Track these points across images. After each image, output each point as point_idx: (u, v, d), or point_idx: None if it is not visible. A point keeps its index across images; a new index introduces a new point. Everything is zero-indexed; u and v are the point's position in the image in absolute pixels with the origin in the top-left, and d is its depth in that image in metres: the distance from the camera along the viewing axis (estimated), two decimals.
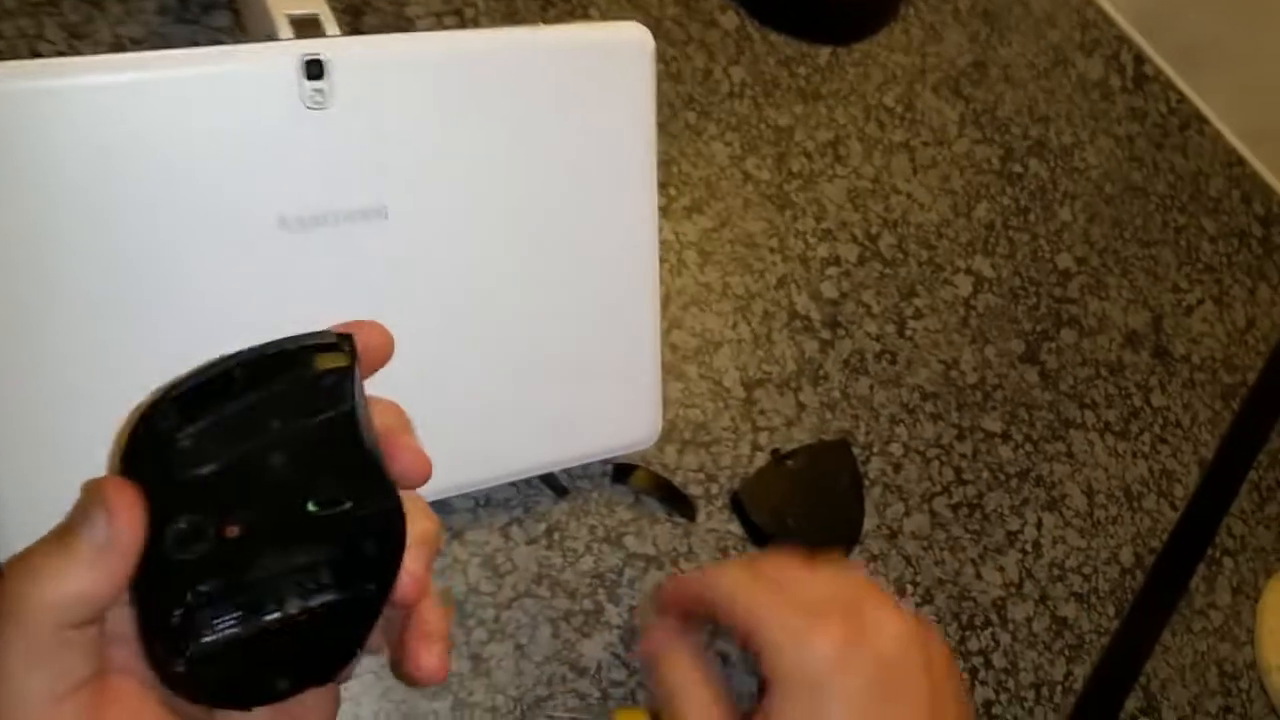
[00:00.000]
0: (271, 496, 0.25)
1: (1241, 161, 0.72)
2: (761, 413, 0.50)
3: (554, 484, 0.45)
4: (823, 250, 0.55)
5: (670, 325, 0.50)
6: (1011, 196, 0.62)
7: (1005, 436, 0.56)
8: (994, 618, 0.51)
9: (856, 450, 0.51)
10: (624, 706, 0.43)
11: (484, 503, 0.45)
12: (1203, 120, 0.72)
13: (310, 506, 0.26)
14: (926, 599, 0.50)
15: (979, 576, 0.52)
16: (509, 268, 0.39)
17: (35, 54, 0.44)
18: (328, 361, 0.25)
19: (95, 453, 0.34)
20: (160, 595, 0.25)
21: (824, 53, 0.60)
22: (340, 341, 0.26)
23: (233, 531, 0.25)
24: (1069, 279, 0.62)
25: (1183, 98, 0.72)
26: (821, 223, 0.56)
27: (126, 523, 0.23)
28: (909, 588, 0.50)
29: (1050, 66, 0.68)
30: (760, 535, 0.47)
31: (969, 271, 0.58)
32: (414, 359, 0.38)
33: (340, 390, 0.26)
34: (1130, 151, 0.68)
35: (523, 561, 0.44)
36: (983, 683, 0.50)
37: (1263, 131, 0.72)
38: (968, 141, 0.62)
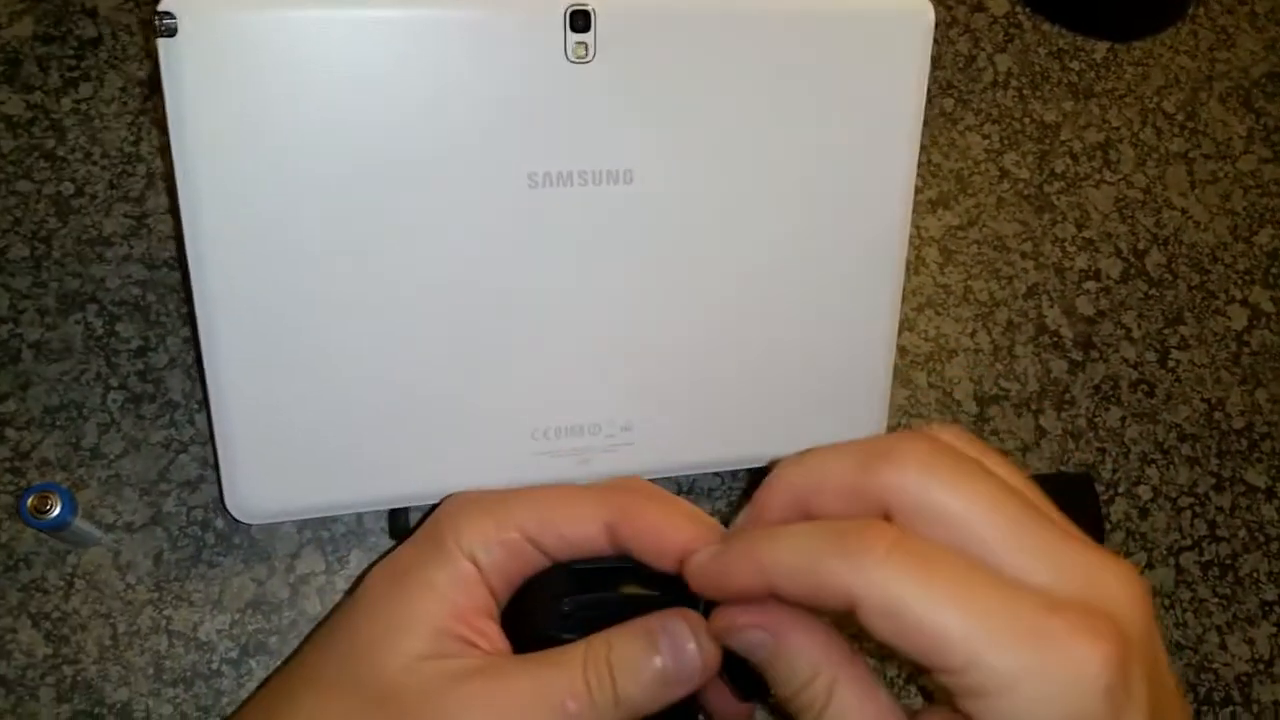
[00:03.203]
0: None
1: None
2: (995, 433, 0.46)
3: (760, 479, 0.43)
4: (1082, 261, 0.50)
5: (902, 326, 0.47)
6: None
7: (1270, 494, 0.49)
8: (1236, 695, 0.45)
9: (1100, 488, 0.46)
10: None
11: (687, 489, 0.42)
12: None
13: None
14: None
15: (1224, 647, 0.46)
16: (749, 245, 0.37)
17: None
18: (660, 593, 0.29)
19: (330, 386, 0.34)
20: None
21: (1101, 48, 0.54)
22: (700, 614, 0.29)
23: None
24: None
25: None
26: (1083, 231, 0.50)
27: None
28: None
29: None
30: None
31: (1245, 303, 0.52)
32: (640, 328, 0.37)
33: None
34: None
35: None
36: None
37: None
38: (1255, 159, 0.55)
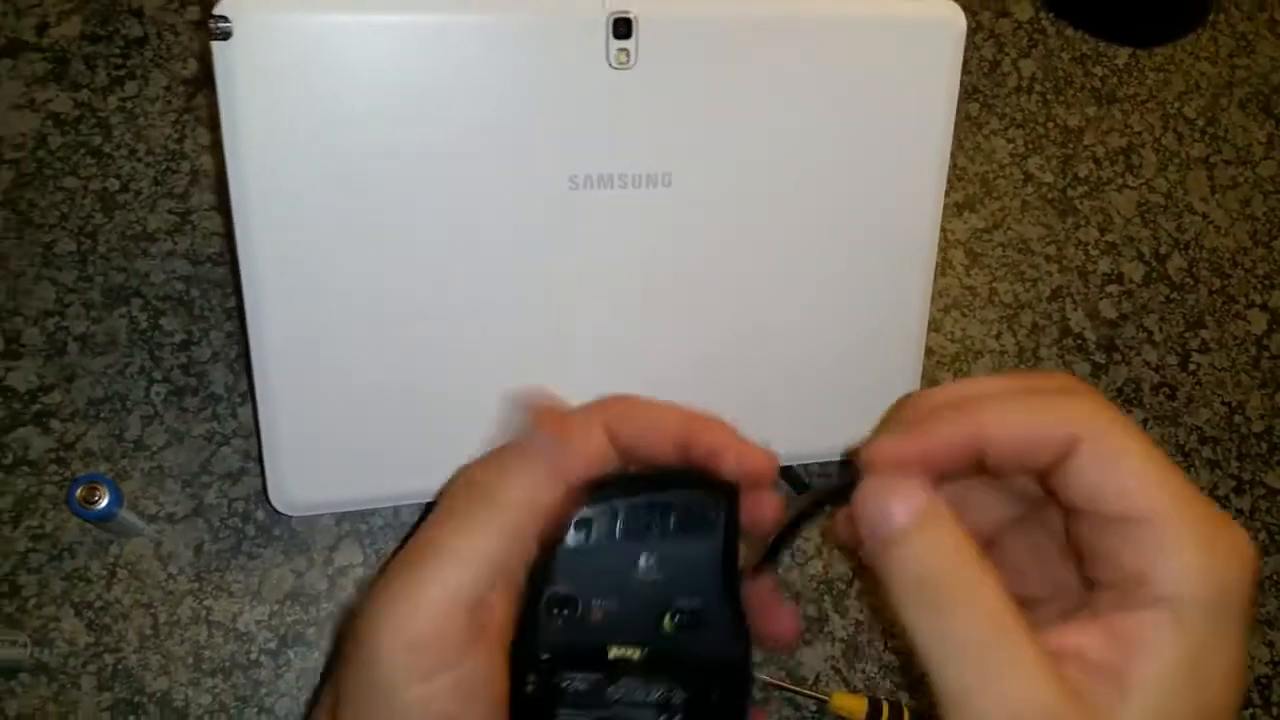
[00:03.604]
0: (634, 594, 0.28)
1: None
2: None
3: (793, 479, 0.43)
4: (1104, 265, 0.50)
5: (928, 327, 0.47)
6: None
7: None
8: (1255, 698, 0.46)
9: None
10: (841, 691, 0.41)
11: None
12: None
13: (667, 621, 0.29)
14: None
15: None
16: (782, 247, 0.38)
17: None
18: (714, 494, 0.29)
19: (373, 381, 0.35)
20: (525, 651, 0.28)
21: (1123, 53, 0.55)
22: (729, 483, 0.29)
23: (597, 615, 0.28)
24: None
25: None
26: (1106, 235, 0.51)
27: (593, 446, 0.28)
28: None
29: None
30: None
31: (1265, 308, 0.52)
32: (675, 327, 0.37)
33: (717, 523, 0.29)
34: None
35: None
36: None
37: None
38: (1275, 165, 0.55)
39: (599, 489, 0.29)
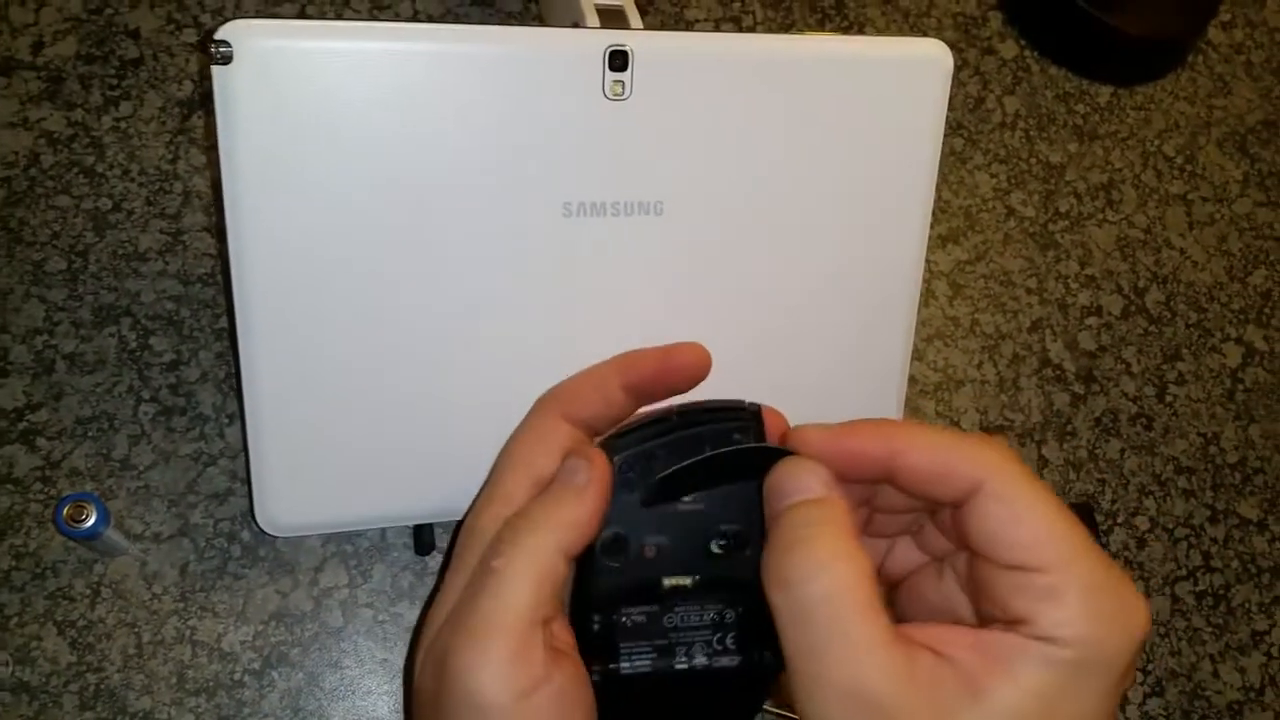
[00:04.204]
0: (681, 525, 0.29)
1: None
2: None
3: None
4: (1084, 298, 0.51)
5: (911, 356, 0.48)
6: None
7: (1262, 526, 0.50)
8: None
9: (1099, 518, 0.47)
10: None
11: None
12: None
13: (714, 546, 0.29)
14: (1156, 690, 0.46)
15: (1216, 675, 0.47)
16: (770, 276, 0.38)
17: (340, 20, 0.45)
18: (740, 419, 0.30)
19: (364, 403, 0.35)
20: (587, 594, 0.29)
21: (1105, 92, 0.56)
22: (752, 411, 0.30)
23: (650, 552, 0.29)
24: None
25: None
26: (1086, 268, 0.52)
27: (600, 468, 0.29)
28: (1139, 675, 0.46)
29: None
30: None
31: (1240, 341, 0.53)
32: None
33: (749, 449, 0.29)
34: None
35: None
36: None
37: None
38: (1250, 203, 0.57)
39: (629, 435, 0.30)
